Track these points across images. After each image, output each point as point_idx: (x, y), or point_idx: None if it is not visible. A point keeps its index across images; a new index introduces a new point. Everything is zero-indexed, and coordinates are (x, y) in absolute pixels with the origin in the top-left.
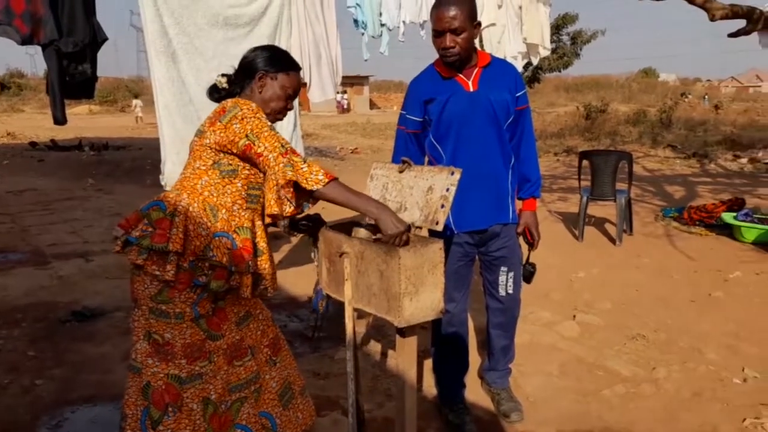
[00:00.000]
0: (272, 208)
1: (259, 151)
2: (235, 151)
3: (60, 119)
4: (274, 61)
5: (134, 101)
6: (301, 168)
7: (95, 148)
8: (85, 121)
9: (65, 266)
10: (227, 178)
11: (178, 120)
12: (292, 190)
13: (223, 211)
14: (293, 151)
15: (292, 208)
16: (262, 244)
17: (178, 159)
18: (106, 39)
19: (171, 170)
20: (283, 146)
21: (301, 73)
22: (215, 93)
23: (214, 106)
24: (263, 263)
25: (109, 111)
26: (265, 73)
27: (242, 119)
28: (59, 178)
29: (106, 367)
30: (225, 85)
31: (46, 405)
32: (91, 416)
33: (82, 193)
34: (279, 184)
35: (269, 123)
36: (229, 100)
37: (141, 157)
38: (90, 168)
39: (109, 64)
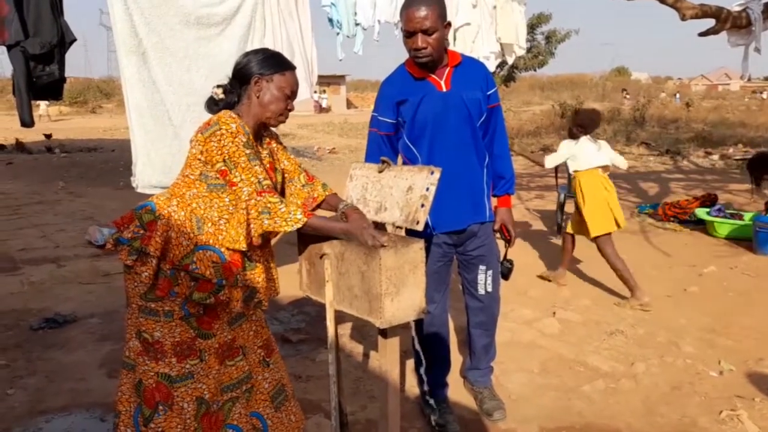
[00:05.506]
0: (237, 243)
1: (234, 180)
2: (213, 170)
3: (27, 121)
4: (267, 63)
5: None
6: (279, 210)
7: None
8: (55, 122)
9: (36, 272)
10: (215, 192)
11: (149, 121)
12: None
13: (209, 224)
14: (269, 190)
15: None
16: (255, 256)
17: (149, 160)
18: (74, 40)
19: (142, 172)
20: (260, 182)
21: None
22: (213, 105)
23: (186, 107)
24: (256, 276)
25: (79, 112)
26: (260, 77)
27: (220, 140)
28: (29, 182)
29: (80, 375)
30: (222, 96)
31: (19, 415)
32: (65, 426)
33: (52, 196)
34: (254, 229)
35: (247, 151)
36: (217, 114)
37: (113, 159)
38: (61, 170)
39: (78, 64)
